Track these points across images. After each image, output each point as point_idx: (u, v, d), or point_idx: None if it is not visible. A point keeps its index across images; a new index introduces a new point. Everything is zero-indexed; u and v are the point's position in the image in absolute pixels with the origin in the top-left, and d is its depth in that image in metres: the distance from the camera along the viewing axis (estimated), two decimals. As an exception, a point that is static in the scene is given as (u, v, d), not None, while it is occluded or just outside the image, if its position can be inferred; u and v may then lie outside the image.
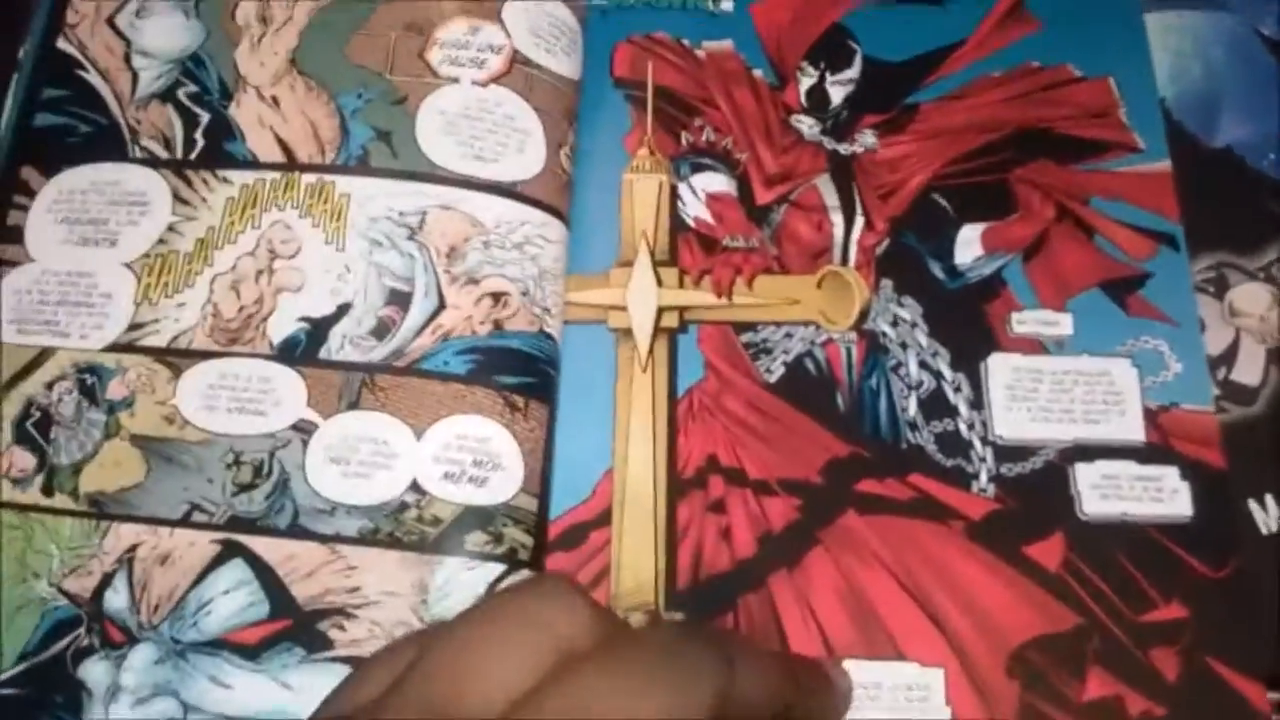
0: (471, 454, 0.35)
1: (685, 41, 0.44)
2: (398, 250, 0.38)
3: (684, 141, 0.42)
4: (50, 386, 0.37)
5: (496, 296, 0.37)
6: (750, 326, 0.40)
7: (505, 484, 0.35)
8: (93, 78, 0.41)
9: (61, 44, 0.41)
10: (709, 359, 0.39)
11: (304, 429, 0.36)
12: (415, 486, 0.35)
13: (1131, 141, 0.42)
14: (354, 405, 0.36)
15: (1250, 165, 0.42)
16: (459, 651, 0.24)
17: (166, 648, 0.34)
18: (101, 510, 0.35)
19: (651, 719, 0.22)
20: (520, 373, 0.37)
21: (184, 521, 0.35)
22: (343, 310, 0.37)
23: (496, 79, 0.40)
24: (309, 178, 0.39)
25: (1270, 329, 0.40)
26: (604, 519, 0.37)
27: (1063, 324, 0.39)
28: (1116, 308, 0.40)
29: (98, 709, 0.33)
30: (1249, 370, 0.39)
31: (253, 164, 0.39)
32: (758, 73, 0.44)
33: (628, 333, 0.39)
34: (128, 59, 0.41)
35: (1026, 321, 0.39)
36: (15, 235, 0.39)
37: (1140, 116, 0.42)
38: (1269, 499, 0.38)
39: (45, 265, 0.38)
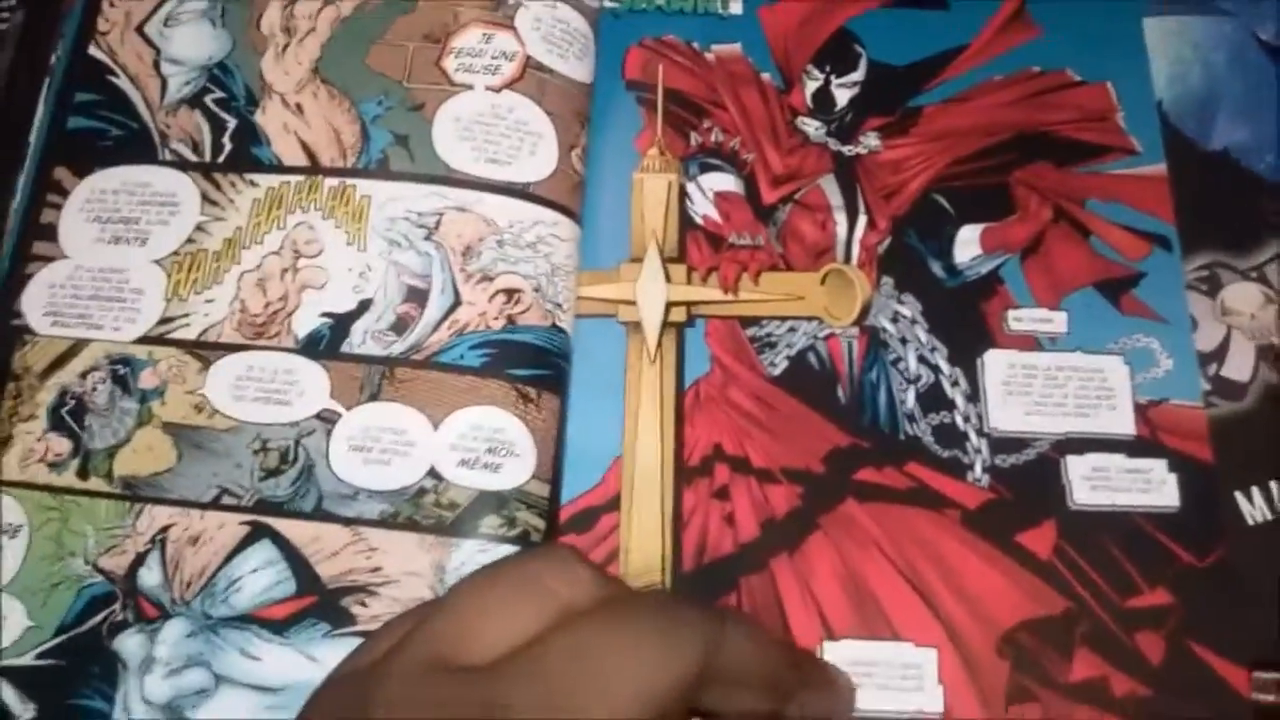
0: (486, 442, 0.40)
1: (695, 45, 0.48)
2: (415, 250, 0.42)
3: (693, 142, 0.47)
4: (84, 376, 0.41)
5: (510, 293, 0.42)
6: (755, 321, 0.44)
7: (518, 470, 0.40)
8: (123, 83, 0.45)
9: (93, 50, 0.46)
10: (715, 352, 0.43)
11: (327, 418, 0.40)
12: (433, 473, 0.39)
13: (1129, 145, 0.46)
14: (374, 396, 0.40)
15: (1246, 167, 0.46)
16: (464, 608, 0.28)
17: (198, 622, 0.38)
18: (135, 493, 0.40)
19: (643, 665, 0.26)
20: (533, 365, 0.41)
21: (214, 504, 0.40)
22: (363, 307, 0.42)
23: (510, 84, 0.44)
24: (331, 181, 0.43)
25: (1260, 326, 0.44)
26: (614, 504, 0.41)
27: (1057, 322, 0.43)
28: (1110, 306, 0.44)
29: (132, 679, 0.38)
30: (1239, 366, 0.43)
31: (278, 168, 0.44)
32: (765, 76, 0.48)
33: (637, 326, 0.43)
34: (157, 66, 0.46)
35: (1022, 319, 0.43)
36: (49, 233, 0.43)
37: (1138, 120, 0.46)
38: (1255, 491, 0.41)
39: (78, 261, 0.43)
